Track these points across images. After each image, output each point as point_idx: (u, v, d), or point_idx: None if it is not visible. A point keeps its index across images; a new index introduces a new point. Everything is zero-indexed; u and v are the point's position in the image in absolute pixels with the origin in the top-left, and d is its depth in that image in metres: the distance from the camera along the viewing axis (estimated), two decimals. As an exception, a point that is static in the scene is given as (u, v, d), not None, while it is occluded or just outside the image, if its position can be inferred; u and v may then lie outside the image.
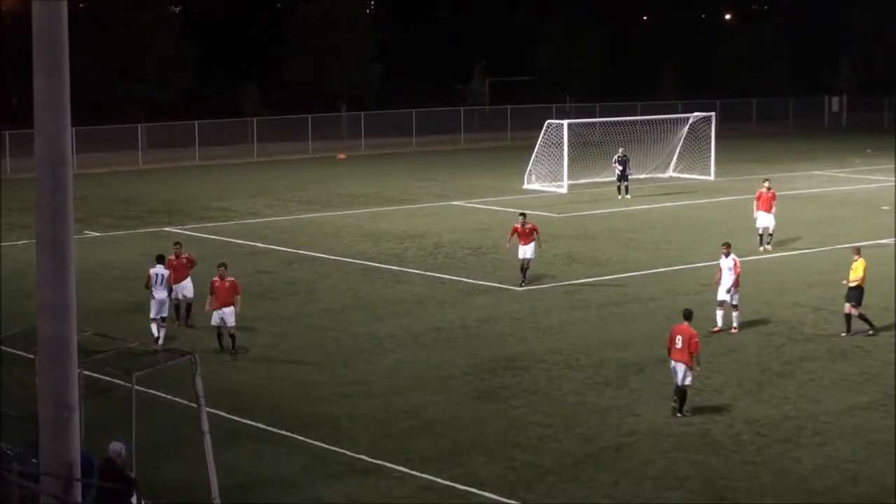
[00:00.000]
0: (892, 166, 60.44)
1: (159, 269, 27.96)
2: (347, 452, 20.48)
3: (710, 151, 59.03)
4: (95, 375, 19.03)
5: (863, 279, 28.06)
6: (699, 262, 36.05)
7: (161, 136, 69.92)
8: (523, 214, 34.58)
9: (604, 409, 22.78)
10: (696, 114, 60.79)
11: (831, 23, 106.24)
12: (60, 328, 11.90)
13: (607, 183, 54.04)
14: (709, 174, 58.50)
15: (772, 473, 19.51)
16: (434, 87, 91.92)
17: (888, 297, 31.23)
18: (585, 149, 57.11)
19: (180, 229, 43.13)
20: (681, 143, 59.43)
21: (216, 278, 27.05)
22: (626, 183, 51.79)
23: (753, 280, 33.72)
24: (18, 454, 16.15)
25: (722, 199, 52.01)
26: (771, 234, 38.82)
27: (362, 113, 77.31)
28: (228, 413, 22.24)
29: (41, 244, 11.87)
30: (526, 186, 54.93)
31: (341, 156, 71.86)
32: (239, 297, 27.04)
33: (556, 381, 24.62)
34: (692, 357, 22.05)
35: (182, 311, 29.23)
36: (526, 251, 33.45)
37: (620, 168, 51.82)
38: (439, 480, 19.25)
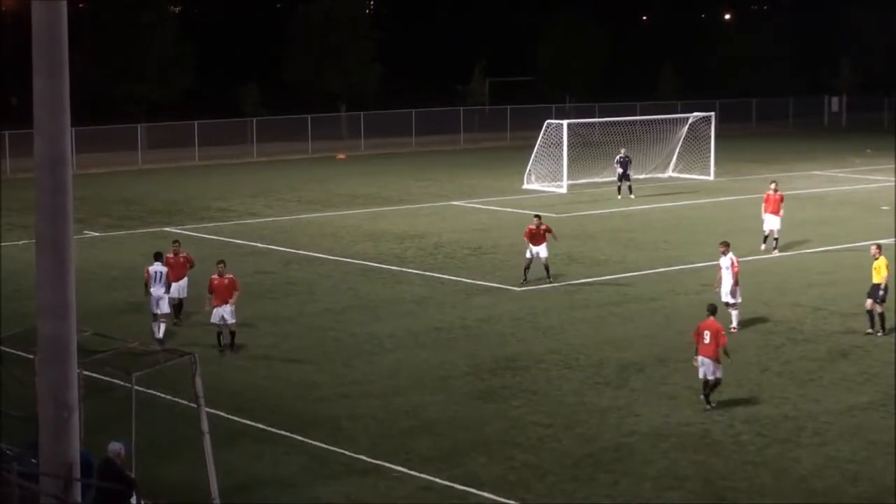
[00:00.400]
0: (892, 166, 60.43)
1: (158, 267, 28.10)
2: (347, 452, 20.48)
3: (709, 151, 59.02)
4: (95, 375, 19.03)
5: (887, 277, 28.01)
6: (699, 262, 36.04)
7: (161, 136, 69.91)
8: (538, 216, 34.51)
9: (603, 409, 22.78)
10: (695, 114, 60.78)
11: (831, 23, 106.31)
12: (60, 328, 11.91)
13: (607, 183, 54.04)
14: (708, 174, 58.49)
15: (772, 473, 19.51)
16: (434, 87, 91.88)
17: (888, 296, 31.17)
18: (585, 149, 57.10)
19: (180, 229, 43.12)
20: (680, 143, 59.44)
21: (215, 276, 27.10)
22: (628, 183, 51.79)
23: (753, 280, 33.72)
24: (18, 454, 16.15)
25: (721, 199, 52.01)
26: (776, 238, 38.46)
27: (362, 113, 77.31)
28: (228, 413, 22.24)
29: (41, 244, 11.87)
30: (525, 186, 54.93)
31: (341, 156, 71.85)
32: (237, 293, 27.09)
33: (555, 382, 24.62)
34: (720, 351, 22.42)
35: (172, 309, 29.30)
36: (539, 251, 33.42)
37: (621, 169, 51.83)
38: (439, 480, 19.25)
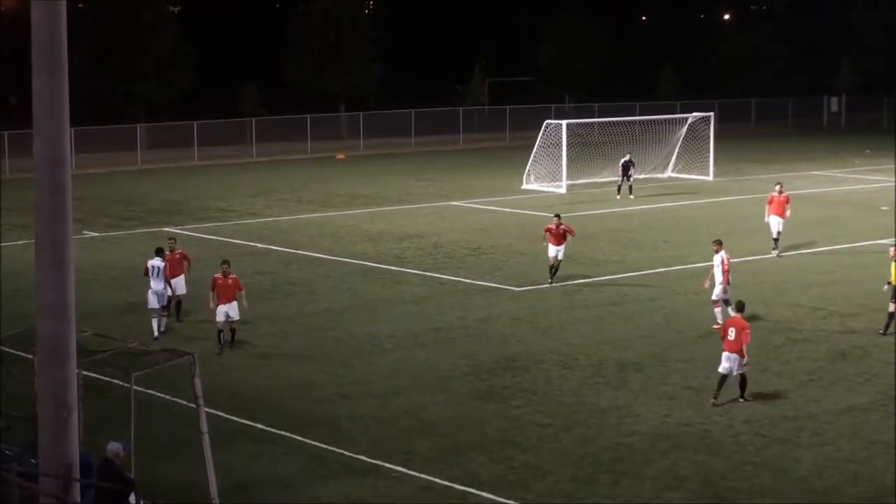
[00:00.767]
0: (892, 166, 60.46)
1: (156, 262, 28.56)
2: (346, 453, 20.47)
3: (708, 151, 59.03)
4: (94, 376, 19.02)
5: None
6: (698, 263, 35.98)
7: (160, 136, 69.91)
8: (558, 216, 34.40)
9: (603, 409, 22.78)
10: (694, 114, 60.80)
11: (831, 23, 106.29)
12: (60, 328, 11.89)
13: (606, 183, 54.06)
14: (707, 174, 58.51)
15: (771, 473, 19.50)
16: (434, 88, 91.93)
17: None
18: (584, 149, 57.13)
19: (179, 229, 43.10)
20: (679, 144, 59.44)
21: (219, 275, 27.25)
22: (629, 183, 51.79)
23: (753, 280, 33.76)
24: (17, 454, 16.14)
25: (721, 199, 52.01)
26: (776, 239, 38.33)
27: (361, 113, 77.32)
28: (227, 413, 22.24)
29: (40, 244, 11.85)
30: (525, 187, 54.94)
31: (340, 156, 71.85)
32: (243, 292, 27.37)
33: (555, 382, 24.61)
34: (743, 347, 22.82)
35: (172, 306, 29.52)
36: (558, 252, 33.39)
37: (621, 171, 51.84)
38: (438, 481, 19.24)
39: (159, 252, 29.02)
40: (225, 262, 27.99)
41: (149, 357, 18.26)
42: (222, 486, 17.47)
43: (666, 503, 18.46)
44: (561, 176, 54.45)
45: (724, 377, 22.94)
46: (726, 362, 22.96)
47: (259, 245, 40.69)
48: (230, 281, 27.16)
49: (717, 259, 28.92)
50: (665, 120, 60.25)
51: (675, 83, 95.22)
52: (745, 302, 24.42)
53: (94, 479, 15.13)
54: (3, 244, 39.44)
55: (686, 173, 58.83)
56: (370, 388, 24.27)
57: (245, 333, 27.88)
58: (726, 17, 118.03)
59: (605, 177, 55.22)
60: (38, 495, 12.21)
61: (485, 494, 18.68)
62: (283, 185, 57.58)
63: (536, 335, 28.39)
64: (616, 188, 52.23)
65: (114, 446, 15.81)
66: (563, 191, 53.84)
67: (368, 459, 20.13)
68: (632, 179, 52.00)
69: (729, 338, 22.99)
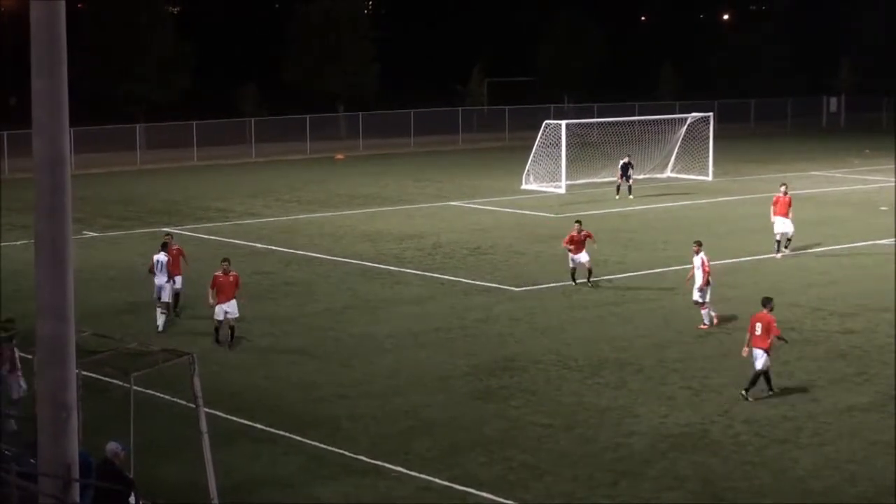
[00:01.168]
0: (891, 166, 60.47)
1: (161, 256, 29.45)
2: (346, 453, 20.47)
3: (708, 152, 59.04)
4: (94, 376, 19.02)
5: None
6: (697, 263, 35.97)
7: (160, 136, 69.92)
8: (579, 222, 34.13)
9: (602, 410, 22.78)
10: (694, 114, 60.80)
11: (830, 23, 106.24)
12: (59, 328, 11.88)
13: (605, 183, 54.07)
14: (707, 175, 58.51)
15: (771, 474, 19.50)
16: (433, 88, 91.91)
17: (888, 296, 31.23)
18: (583, 149, 57.13)
19: (179, 229, 43.07)
20: (679, 144, 59.44)
21: (219, 273, 27.35)
22: (628, 183, 51.79)
23: (752, 280, 33.76)
24: (17, 454, 16.14)
25: (720, 199, 52.01)
26: (789, 240, 37.93)
27: (361, 113, 77.32)
28: (227, 413, 22.24)
29: (40, 244, 11.84)
30: (524, 187, 54.95)
31: (340, 156, 71.85)
32: (240, 290, 27.57)
33: (554, 382, 24.61)
34: (774, 339, 23.20)
35: (171, 300, 29.92)
36: (581, 258, 33.28)
37: (621, 172, 51.84)
38: (438, 481, 19.24)
39: (164, 247, 29.78)
40: (225, 259, 28.14)
41: (148, 357, 18.26)
42: (222, 486, 17.46)
43: (665, 503, 18.46)
44: (560, 176, 54.45)
45: (763, 372, 23.08)
46: (761, 358, 23.06)
47: (258, 245, 40.69)
48: (231, 279, 27.29)
49: (696, 261, 29.18)
50: (664, 120, 60.26)
51: (674, 83, 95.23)
52: (770, 297, 24.15)
53: (94, 480, 15.13)
54: (2, 244, 39.43)
55: (685, 173, 58.83)
56: (370, 388, 24.27)
57: (244, 333, 27.89)
58: (726, 17, 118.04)
59: (604, 177, 55.22)
60: (37, 495, 12.20)
61: (484, 494, 18.68)
62: (283, 185, 57.58)
63: (536, 335, 28.39)
64: (615, 188, 52.24)
65: (113, 446, 15.80)
66: (562, 191, 53.83)
67: (368, 459, 20.13)
68: (631, 180, 52.01)
69: (756, 333, 23.14)
